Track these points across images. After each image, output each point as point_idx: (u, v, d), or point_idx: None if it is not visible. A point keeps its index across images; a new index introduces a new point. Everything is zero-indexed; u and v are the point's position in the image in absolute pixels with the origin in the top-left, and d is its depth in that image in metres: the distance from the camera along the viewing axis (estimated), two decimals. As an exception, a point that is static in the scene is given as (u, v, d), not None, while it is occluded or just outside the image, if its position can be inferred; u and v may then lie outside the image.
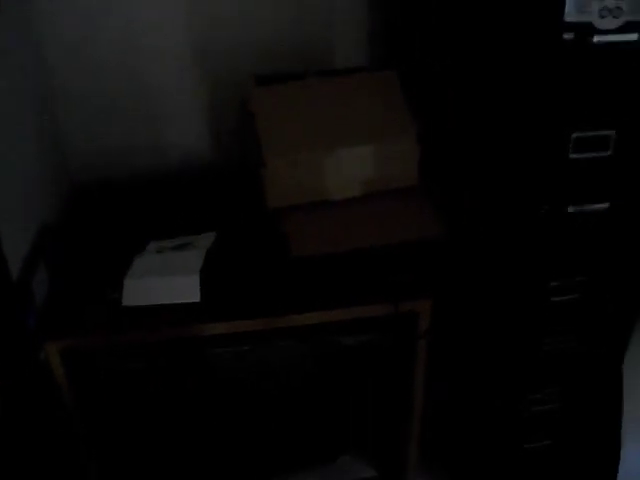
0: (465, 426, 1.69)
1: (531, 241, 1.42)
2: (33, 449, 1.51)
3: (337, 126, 1.56)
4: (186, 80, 1.82)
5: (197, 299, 1.44)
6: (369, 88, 1.64)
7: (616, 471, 1.70)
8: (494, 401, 1.63)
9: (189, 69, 1.81)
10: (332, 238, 1.50)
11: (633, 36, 1.18)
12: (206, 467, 1.69)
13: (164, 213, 1.72)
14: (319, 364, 1.54)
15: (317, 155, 1.52)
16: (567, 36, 1.16)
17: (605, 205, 1.36)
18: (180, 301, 1.44)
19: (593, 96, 1.24)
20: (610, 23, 1.17)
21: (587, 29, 1.16)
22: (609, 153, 1.29)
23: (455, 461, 1.78)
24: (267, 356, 1.50)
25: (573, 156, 1.29)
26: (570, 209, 1.36)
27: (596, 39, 1.17)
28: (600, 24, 1.16)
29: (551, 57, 1.20)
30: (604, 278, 1.45)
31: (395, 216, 1.54)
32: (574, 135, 1.26)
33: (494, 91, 1.40)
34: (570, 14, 1.15)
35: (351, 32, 1.85)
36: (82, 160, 1.83)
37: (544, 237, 1.42)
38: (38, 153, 1.67)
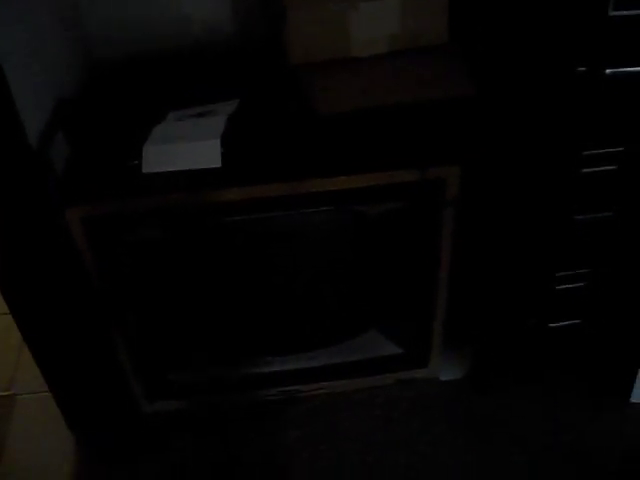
0: (491, 304, 1.66)
1: (565, 104, 1.36)
2: (59, 318, 1.54)
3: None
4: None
5: (218, 164, 1.40)
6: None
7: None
8: (521, 277, 1.60)
9: None
10: (359, 95, 1.44)
11: None
12: (225, 339, 1.69)
13: (185, 85, 1.66)
14: (342, 233, 1.51)
15: (341, 8, 1.45)
16: None
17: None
18: (201, 167, 1.41)
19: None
20: None
21: None
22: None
23: (480, 341, 1.75)
24: (289, 224, 1.46)
25: (614, 13, 1.22)
26: (608, 71, 1.30)
27: None
28: None
29: None
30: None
31: (423, 74, 1.48)
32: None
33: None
34: None
35: None
36: (102, 34, 1.76)
37: (579, 100, 1.36)
38: (56, 24, 1.62)
